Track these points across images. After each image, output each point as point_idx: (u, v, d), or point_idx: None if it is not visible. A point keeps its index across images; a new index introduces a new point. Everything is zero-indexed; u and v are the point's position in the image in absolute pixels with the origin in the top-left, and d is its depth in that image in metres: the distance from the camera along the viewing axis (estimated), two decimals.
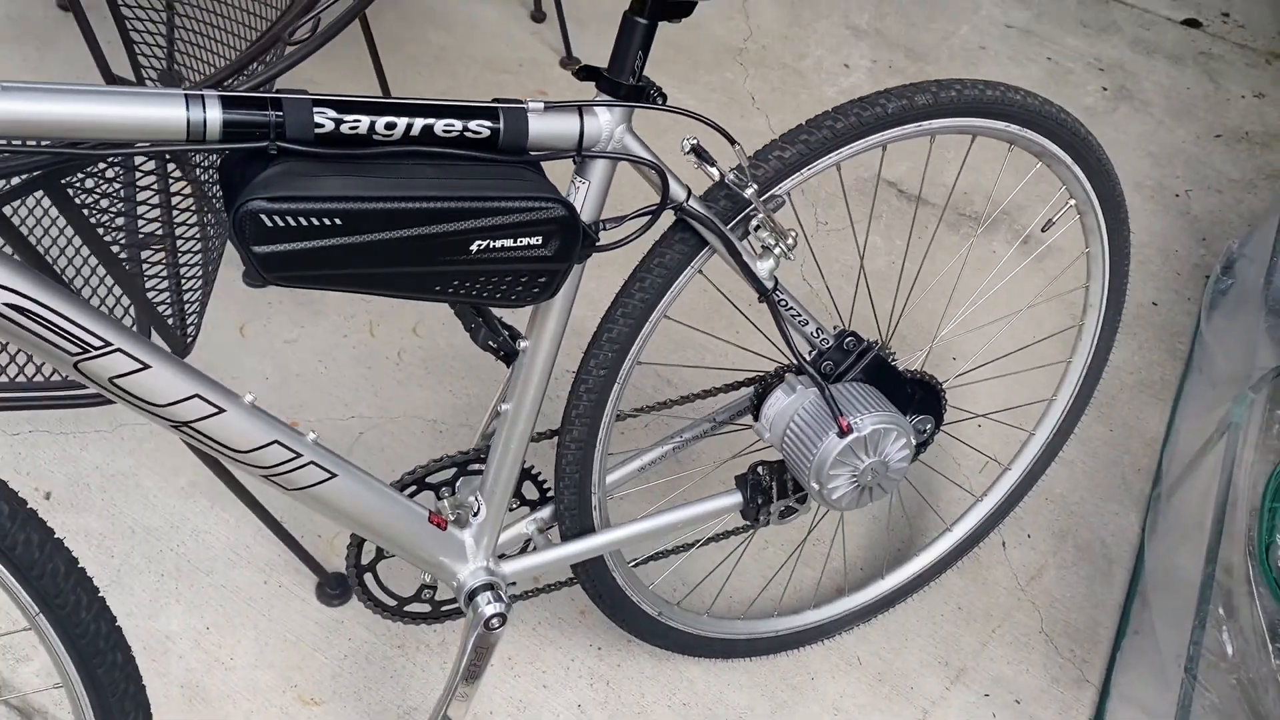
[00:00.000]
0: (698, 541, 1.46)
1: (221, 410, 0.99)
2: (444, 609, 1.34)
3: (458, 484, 1.26)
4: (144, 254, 1.27)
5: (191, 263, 1.31)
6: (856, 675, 1.61)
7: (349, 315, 1.93)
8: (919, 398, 1.31)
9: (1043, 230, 1.40)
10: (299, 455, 1.06)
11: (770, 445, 1.27)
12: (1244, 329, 1.93)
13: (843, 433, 1.18)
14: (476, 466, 1.25)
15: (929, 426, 1.33)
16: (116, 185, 1.15)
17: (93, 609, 0.93)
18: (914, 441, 1.25)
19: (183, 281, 1.29)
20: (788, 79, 2.65)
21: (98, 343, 0.91)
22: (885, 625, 1.67)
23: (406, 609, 1.32)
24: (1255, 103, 2.92)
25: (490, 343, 1.20)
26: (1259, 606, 1.35)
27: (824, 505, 1.26)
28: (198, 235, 1.26)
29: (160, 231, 1.26)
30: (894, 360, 1.30)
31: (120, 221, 1.31)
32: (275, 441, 1.04)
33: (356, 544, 1.24)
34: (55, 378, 1.28)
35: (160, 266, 1.28)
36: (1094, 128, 2.33)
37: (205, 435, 1.00)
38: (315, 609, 1.56)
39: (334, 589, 1.56)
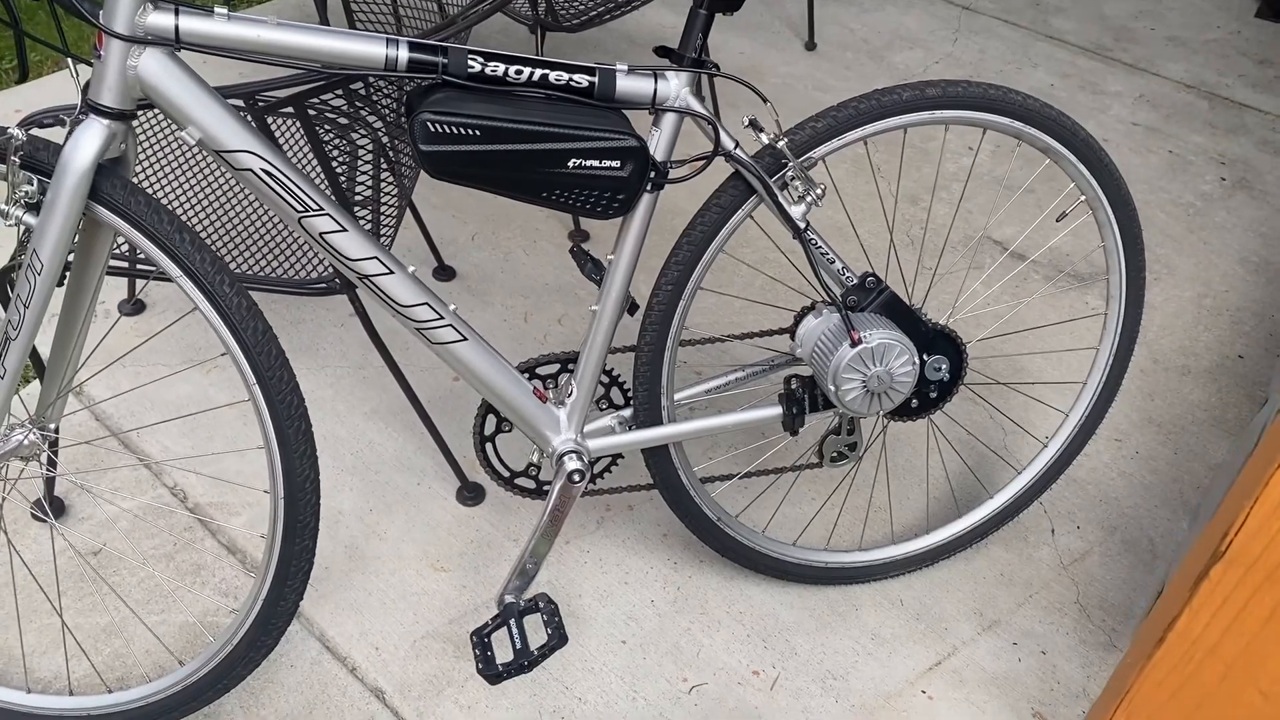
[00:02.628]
0: (774, 472, 1.77)
1: (391, 271, 1.42)
2: (544, 486, 1.70)
3: (560, 379, 1.64)
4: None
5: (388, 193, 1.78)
6: (896, 612, 1.85)
7: (510, 305, 2.37)
8: (937, 342, 1.60)
9: (1056, 221, 1.69)
10: (441, 318, 1.47)
11: (802, 359, 1.59)
12: None
13: (854, 344, 1.50)
14: (573, 366, 1.62)
15: (944, 366, 1.61)
16: (338, 117, 1.63)
17: (290, 384, 1.35)
18: (918, 362, 1.54)
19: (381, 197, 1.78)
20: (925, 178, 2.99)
21: (315, 206, 1.36)
22: (929, 577, 1.91)
23: (516, 481, 1.69)
24: None
25: (593, 275, 1.60)
26: None
27: (844, 409, 1.56)
28: (389, 165, 1.73)
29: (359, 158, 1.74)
30: (921, 312, 1.60)
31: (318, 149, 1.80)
32: (425, 303, 1.45)
33: (481, 416, 1.63)
34: (295, 276, 1.76)
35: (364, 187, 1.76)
36: (1207, 211, 2.57)
37: (379, 288, 1.42)
38: (453, 506, 1.95)
39: (470, 493, 1.95)
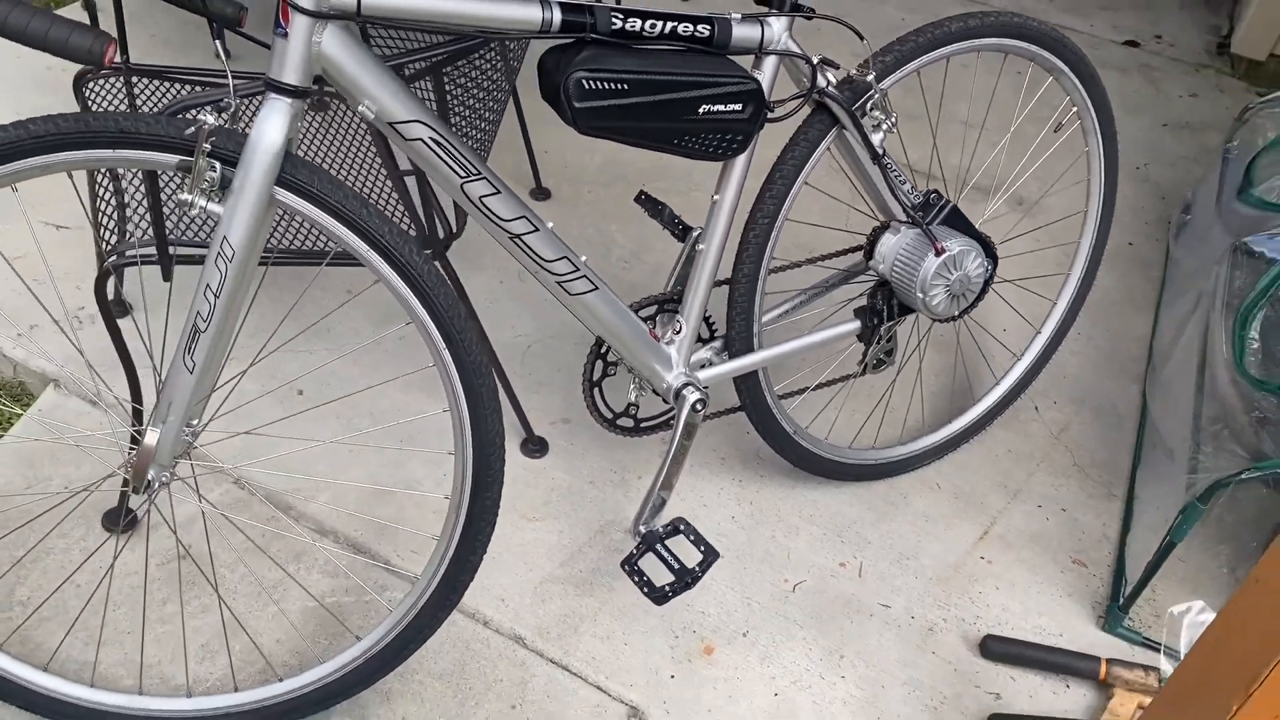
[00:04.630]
0: (824, 381, 1.94)
1: (537, 229, 1.48)
2: (642, 424, 1.80)
3: (658, 319, 1.73)
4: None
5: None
6: (938, 495, 2.08)
7: (502, 269, 2.42)
8: (986, 246, 1.81)
9: (1055, 131, 1.93)
10: (578, 270, 1.54)
11: (882, 275, 1.76)
12: (1202, 240, 2.47)
13: (938, 253, 1.68)
14: (670, 306, 1.72)
15: (990, 267, 1.82)
16: (470, 81, 1.64)
17: (477, 344, 1.39)
18: (987, 264, 1.75)
19: None
20: None
21: (474, 171, 1.40)
22: (954, 461, 2.14)
23: (617, 421, 1.78)
24: (1191, 100, 3.53)
25: (671, 224, 1.71)
26: (1236, 390, 1.84)
27: (927, 314, 1.75)
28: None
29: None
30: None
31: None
32: (564, 257, 1.52)
33: (590, 362, 1.71)
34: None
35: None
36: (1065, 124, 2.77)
37: (527, 245, 1.48)
38: (522, 460, 2.01)
39: (535, 446, 2.01)
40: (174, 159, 1.24)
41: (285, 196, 1.28)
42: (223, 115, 1.24)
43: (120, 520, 1.75)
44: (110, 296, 2.13)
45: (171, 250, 1.53)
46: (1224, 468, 1.71)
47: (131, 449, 1.37)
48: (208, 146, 1.21)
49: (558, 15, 1.36)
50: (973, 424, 2.12)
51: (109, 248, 1.53)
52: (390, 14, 1.27)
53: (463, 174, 1.39)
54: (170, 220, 1.63)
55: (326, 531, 1.85)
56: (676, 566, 1.63)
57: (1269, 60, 3.60)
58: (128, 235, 1.55)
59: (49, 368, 2.03)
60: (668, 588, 1.61)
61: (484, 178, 1.40)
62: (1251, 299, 1.96)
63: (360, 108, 1.30)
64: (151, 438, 1.33)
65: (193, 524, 1.82)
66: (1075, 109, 1.91)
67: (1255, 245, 2.12)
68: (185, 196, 1.24)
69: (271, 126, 1.23)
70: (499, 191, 1.42)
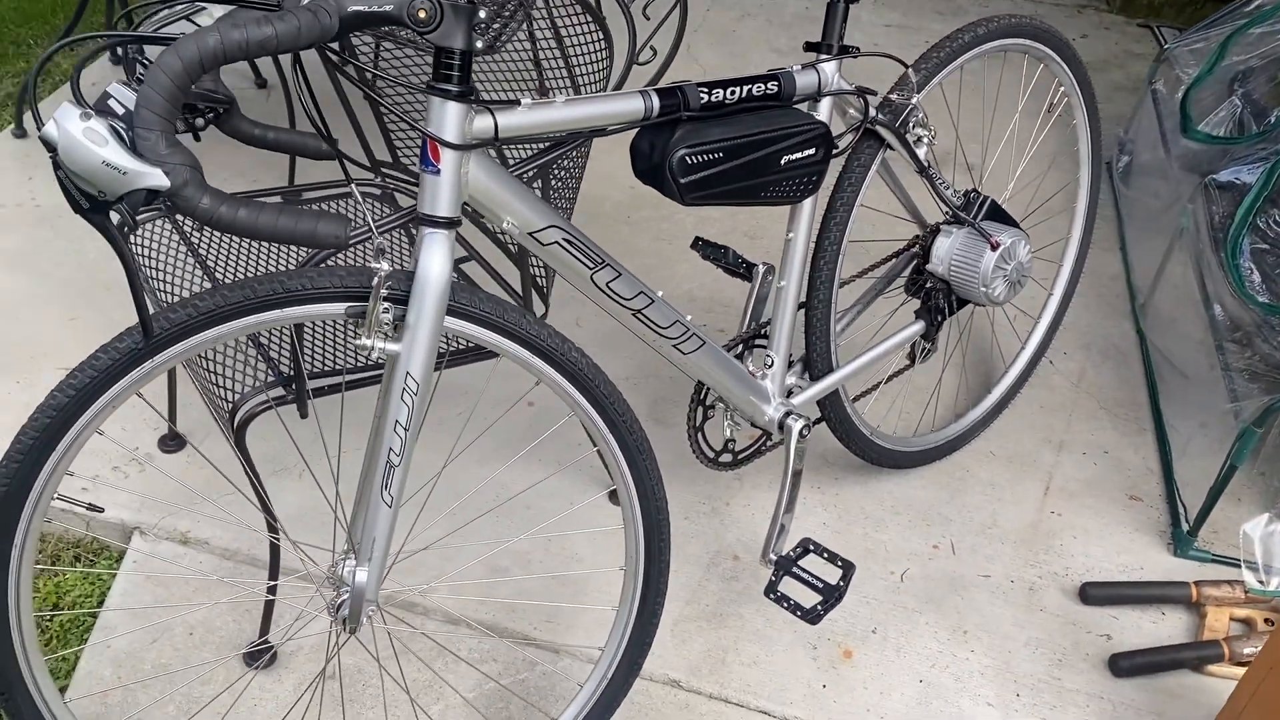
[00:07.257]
0: (880, 382, 2.06)
1: (653, 301, 1.54)
2: (740, 455, 1.89)
3: (743, 357, 1.82)
4: None
5: None
6: (995, 462, 2.22)
7: None
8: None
9: (1048, 110, 2.08)
10: (689, 330, 1.61)
11: (941, 276, 1.89)
12: (1158, 178, 2.67)
13: (993, 248, 1.81)
14: (758, 342, 1.81)
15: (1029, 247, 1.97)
16: (564, 170, 1.69)
17: (639, 428, 1.45)
18: (1030, 248, 1.89)
19: None
20: None
21: (600, 260, 1.45)
22: (999, 429, 2.29)
23: (719, 458, 1.86)
24: (1085, 42, 3.78)
25: (735, 265, 1.80)
26: (1251, 318, 2.03)
27: (989, 304, 1.88)
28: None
29: None
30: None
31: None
32: (677, 321, 1.59)
33: (692, 410, 1.79)
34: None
35: None
36: (972, 82, 2.97)
37: (647, 318, 1.54)
38: (617, 512, 2.07)
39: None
40: (342, 307, 1.27)
41: (453, 323, 1.32)
42: (383, 255, 1.27)
43: (262, 656, 1.76)
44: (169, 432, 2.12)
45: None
46: (1265, 392, 1.89)
47: (341, 589, 1.39)
48: (384, 291, 1.24)
49: (656, 102, 1.43)
50: (1011, 387, 2.27)
51: (237, 399, 1.54)
52: (523, 131, 1.31)
53: (591, 265, 1.45)
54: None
55: (494, 629, 1.87)
56: (821, 585, 1.72)
57: None
58: (253, 384, 1.56)
59: (128, 516, 2.00)
60: (819, 606, 1.71)
61: (608, 264, 1.47)
62: (1235, 227, 2.16)
63: (505, 225, 1.35)
64: (361, 576, 1.36)
65: (316, 643, 1.83)
66: (1063, 89, 2.06)
67: (1223, 178, 2.33)
68: (364, 341, 1.27)
69: (436, 260, 1.27)
70: (620, 274, 1.49)
